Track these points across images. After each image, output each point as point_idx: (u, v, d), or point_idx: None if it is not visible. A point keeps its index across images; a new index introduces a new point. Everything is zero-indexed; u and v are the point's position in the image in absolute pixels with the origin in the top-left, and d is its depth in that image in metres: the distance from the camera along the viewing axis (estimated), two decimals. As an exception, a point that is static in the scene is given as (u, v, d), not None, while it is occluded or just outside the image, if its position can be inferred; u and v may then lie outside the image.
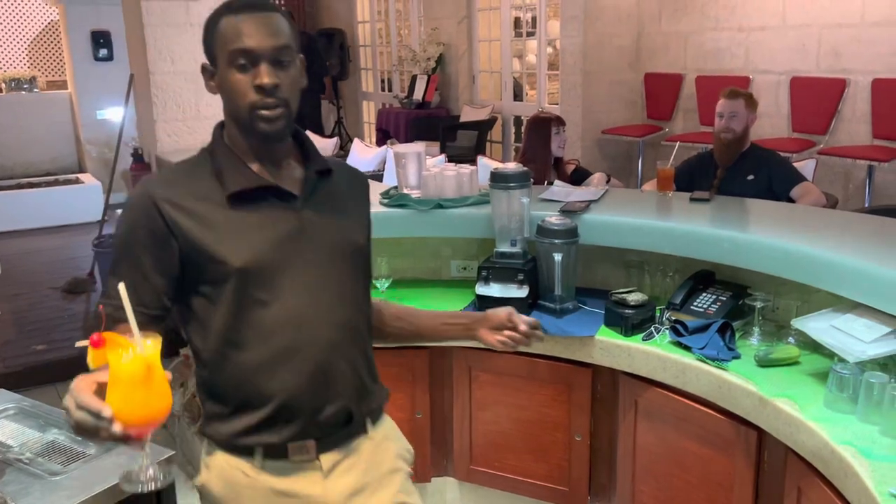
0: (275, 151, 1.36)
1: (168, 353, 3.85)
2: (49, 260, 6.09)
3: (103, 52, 7.92)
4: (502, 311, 1.56)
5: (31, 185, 7.70)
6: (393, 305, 1.64)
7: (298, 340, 1.33)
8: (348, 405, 1.37)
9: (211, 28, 1.32)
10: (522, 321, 1.55)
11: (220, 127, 1.40)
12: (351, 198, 1.47)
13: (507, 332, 1.54)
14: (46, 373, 3.87)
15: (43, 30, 8.64)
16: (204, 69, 1.35)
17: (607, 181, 3.56)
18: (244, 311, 1.31)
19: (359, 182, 1.54)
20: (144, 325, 1.16)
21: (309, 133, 6.23)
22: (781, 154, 3.71)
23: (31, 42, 8.61)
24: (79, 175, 8.07)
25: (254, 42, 1.27)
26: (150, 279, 1.29)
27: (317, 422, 1.35)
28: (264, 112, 1.28)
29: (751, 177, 3.35)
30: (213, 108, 4.39)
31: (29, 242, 6.67)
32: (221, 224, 1.30)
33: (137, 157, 4.56)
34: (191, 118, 4.32)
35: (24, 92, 8.27)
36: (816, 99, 5.03)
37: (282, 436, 1.34)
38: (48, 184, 7.76)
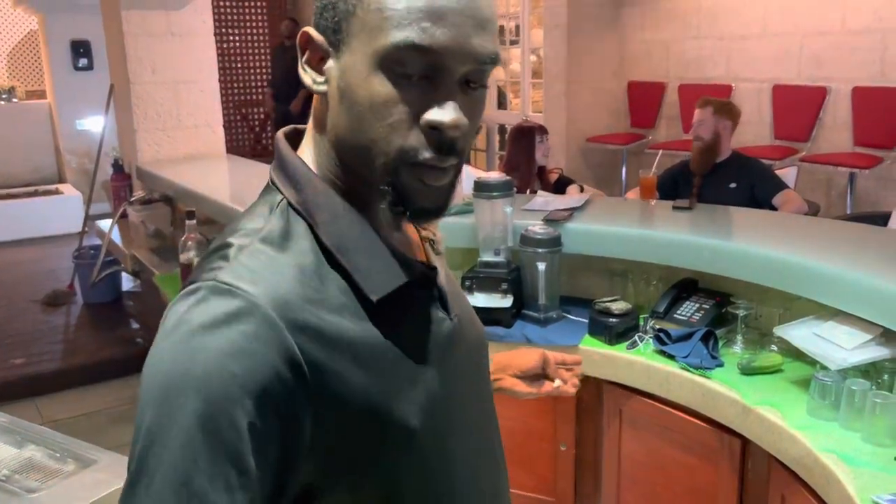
0: None
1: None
2: (28, 272, 6.02)
3: (83, 61, 7.87)
4: (532, 358, 1.17)
5: (10, 196, 7.62)
6: None
7: None
8: None
9: None
10: (558, 363, 1.20)
11: (298, 147, 0.81)
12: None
13: (553, 385, 1.19)
14: (25, 387, 3.81)
15: (22, 39, 8.57)
16: (309, 42, 0.75)
17: (580, 191, 3.57)
18: (419, 496, 0.77)
19: None
20: None
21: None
22: (763, 162, 3.74)
23: (10, 52, 8.54)
24: (59, 186, 8.00)
25: (449, 40, 0.69)
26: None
27: None
28: (423, 175, 0.72)
29: (733, 184, 3.38)
30: (194, 118, 4.37)
31: (8, 254, 6.60)
32: (372, 353, 0.72)
33: (118, 167, 4.52)
34: (171, 128, 4.29)
35: (2, 102, 8.19)
36: (798, 107, 5.08)
37: None
38: (28, 195, 7.69)
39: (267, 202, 0.77)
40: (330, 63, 0.74)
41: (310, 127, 0.80)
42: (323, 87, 0.75)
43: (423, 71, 0.70)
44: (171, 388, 0.63)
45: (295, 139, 0.82)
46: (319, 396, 0.67)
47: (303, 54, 0.76)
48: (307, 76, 0.76)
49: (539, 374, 1.19)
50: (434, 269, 0.82)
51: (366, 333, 0.72)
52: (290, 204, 0.75)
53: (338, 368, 0.69)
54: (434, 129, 0.70)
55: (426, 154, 0.71)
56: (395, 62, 0.69)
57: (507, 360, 1.18)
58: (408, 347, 0.75)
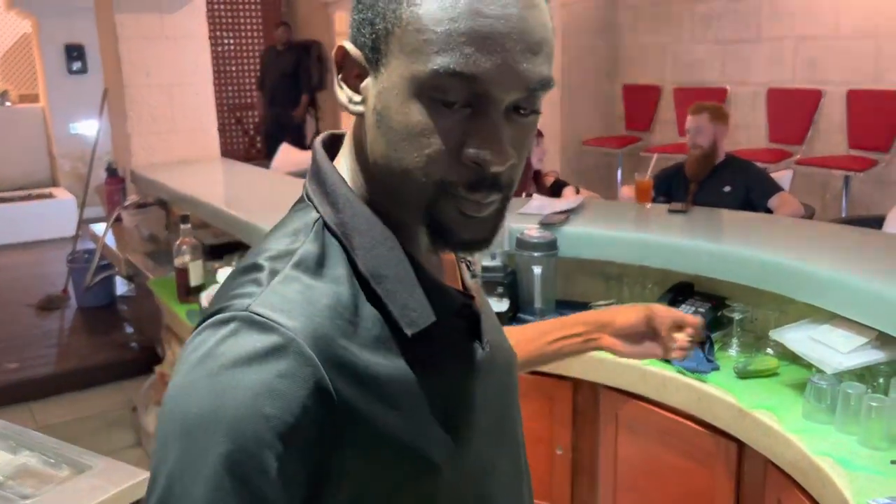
0: None
1: (143, 370, 3.80)
2: (22, 276, 6.00)
3: (77, 65, 7.85)
4: (633, 315, 1.13)
5: (3, 200, 7.59)
6: None
7: None
8: None
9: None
10: (676, 322, 1.12)
11: (335, 157, 0.76)
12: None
13: (679, 346, 1.12)
14: (19, 392, 3.79)
15: (15, 43, 8.55)
16: (345, 57, 0.70)
17: (577, 192, 3.58)
18: None
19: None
20: None
21: (285, 145, 6.08)
22: (758, 164, 3.74)
23: (3, 55, 8.51)
24: (52, 190, 7.97)
25: (495, 67, 0.63)
26: None
27: None
28: (462, 206, 0.68)
29: (727, 188, 3.38)
30: (188, 121, 4.36)
31: (1, 258, 6.57)
32: (403, 391, 0.69)
33: (111, 171, 4.51)
34: (166, 131, 4.29)
35: (-4, 106, 8.18)
36: (793, 110, 5.09)
37: None
38: (21, 198, 7.66)
39: (301, 219, 0.72)
40: (367, 81, 0.69)
41: (348, 140, 0.75)
42: (360, 108, 0.70)
43: (466, 99, 0.64)
44: (198, 428, 0.59)
45: (331, 147, 0.77)
46: (349, 436, 0.64)
47: (338, 71, 0.71)
48: (343, 94, 0.71)
49: (642, 334, 1.14)
50: (472, 297, 0.77)
51: (398, 370, 0.68)
52: (325, 224, 0.71)
53: (369, 408, 0.65)
54: (476, 164, 0.65)
55: (464, 191, 0.67)
56: (434, 89, 0.64)
57: (608, 317, 1.15)
58: (440, 383, 0.72)
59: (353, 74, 0.70)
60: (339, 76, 0.71)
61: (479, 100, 0.64)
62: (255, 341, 0.62)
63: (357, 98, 0.70)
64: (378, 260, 0.70)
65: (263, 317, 0.63)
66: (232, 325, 0.63)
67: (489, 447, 0.79)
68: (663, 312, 1.13)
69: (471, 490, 0.76)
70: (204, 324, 0.65)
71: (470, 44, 0.62)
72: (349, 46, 0.70)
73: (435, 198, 0.67)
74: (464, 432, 0.74)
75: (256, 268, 0.68)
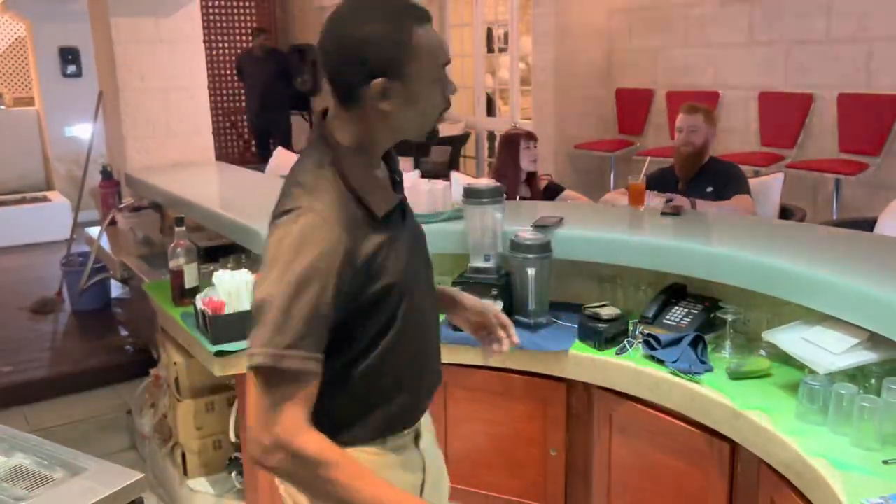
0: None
1: (138, 374, 3.80)
2: (16, 279, 5.98)
3: (72, 68, 7.84)
4: (486, 311, 1.59)
5: (-2, 203, 7.58)
6: None
7: (430, 333, 1.44)
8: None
9: (405, 40, 1.23)
10: (500, 326, 1.60)
11: (333, 160, 1.28)
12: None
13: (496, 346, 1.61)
14: (12, 395, 3.78)
15: (9, 46, 8.53)
16: (379, 87, 1.23)
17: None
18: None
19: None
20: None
21: (281, 149, 6.08)
22: (740, 167, 3.74)
23: (-2, 58, 8.50)
24: (47, 193, 7.95)
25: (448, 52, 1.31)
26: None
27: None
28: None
29: (710, 189, 3.42)
30: (183, 124, 4.36)
31: (-5, 261, 6.56)
32: (384, 245, 1.28)
33: (106, 174, 4.50)
34: (161, 135, 4.29)
35: (-10, 109, 8.15)
36: (784, 114, 5.11)
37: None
38: (15, 202, 7.64)
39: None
40: (402, 92, 1.31)
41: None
42: (388, 109, 1.28)
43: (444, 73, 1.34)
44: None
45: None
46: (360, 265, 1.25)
47: (370, 93, 1.26)
48: (376, 107, 1.28)
49: (478, 323, 1.60)
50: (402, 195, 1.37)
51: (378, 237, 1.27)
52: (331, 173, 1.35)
53: (365, 249, 1.25)
54: (448, 95, 1.34)
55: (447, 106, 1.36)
56: (441, 72, 1.34)
57: (460, 302, 1.60)
58: (399, 243, 1.30)
59: (385, 96, 1.27)
60: (376, 99, 1.28)
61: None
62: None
63: (387, 107, 1.28)
64: (360, 182, 1.26)
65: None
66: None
67: (423, 280, 1.39)
68: (496, 312, 1.61)
69: (421, 307, 1.36)
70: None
71: (444, 46, 1.38)
72: (382, 81, 1.27)
73: (434, 123, 1.34)
74: (410, 268, 1.31)
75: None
